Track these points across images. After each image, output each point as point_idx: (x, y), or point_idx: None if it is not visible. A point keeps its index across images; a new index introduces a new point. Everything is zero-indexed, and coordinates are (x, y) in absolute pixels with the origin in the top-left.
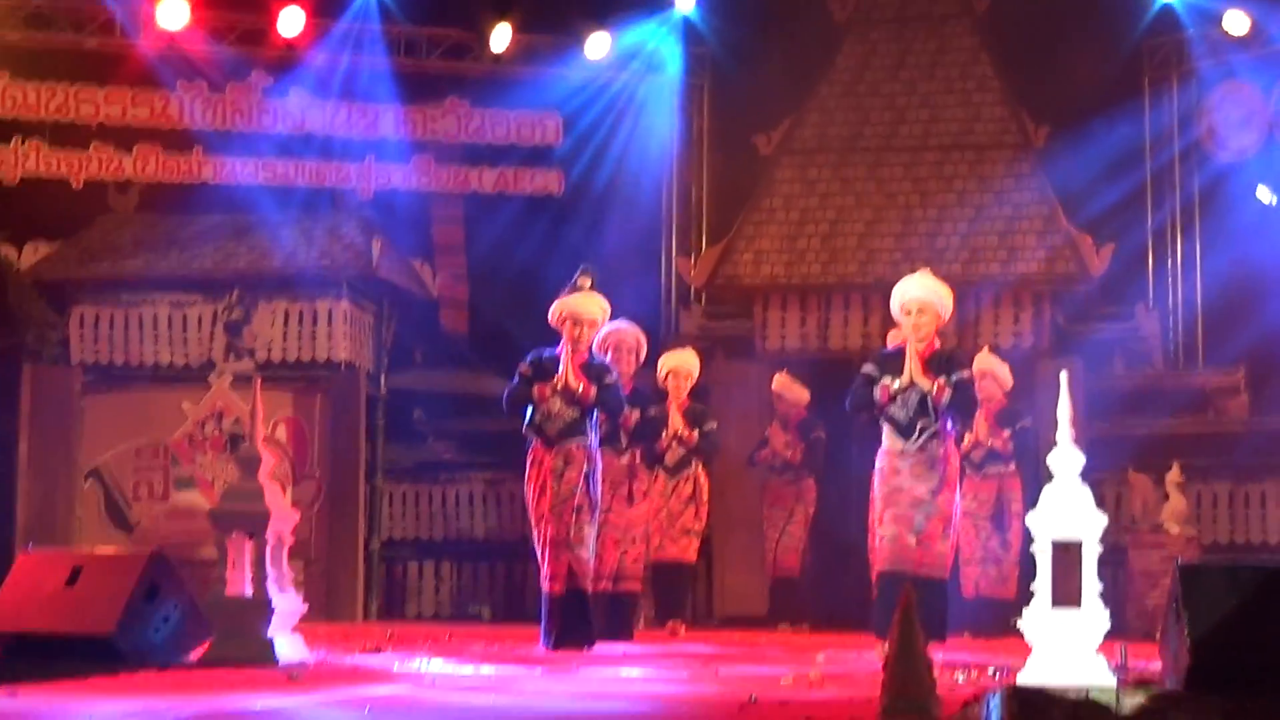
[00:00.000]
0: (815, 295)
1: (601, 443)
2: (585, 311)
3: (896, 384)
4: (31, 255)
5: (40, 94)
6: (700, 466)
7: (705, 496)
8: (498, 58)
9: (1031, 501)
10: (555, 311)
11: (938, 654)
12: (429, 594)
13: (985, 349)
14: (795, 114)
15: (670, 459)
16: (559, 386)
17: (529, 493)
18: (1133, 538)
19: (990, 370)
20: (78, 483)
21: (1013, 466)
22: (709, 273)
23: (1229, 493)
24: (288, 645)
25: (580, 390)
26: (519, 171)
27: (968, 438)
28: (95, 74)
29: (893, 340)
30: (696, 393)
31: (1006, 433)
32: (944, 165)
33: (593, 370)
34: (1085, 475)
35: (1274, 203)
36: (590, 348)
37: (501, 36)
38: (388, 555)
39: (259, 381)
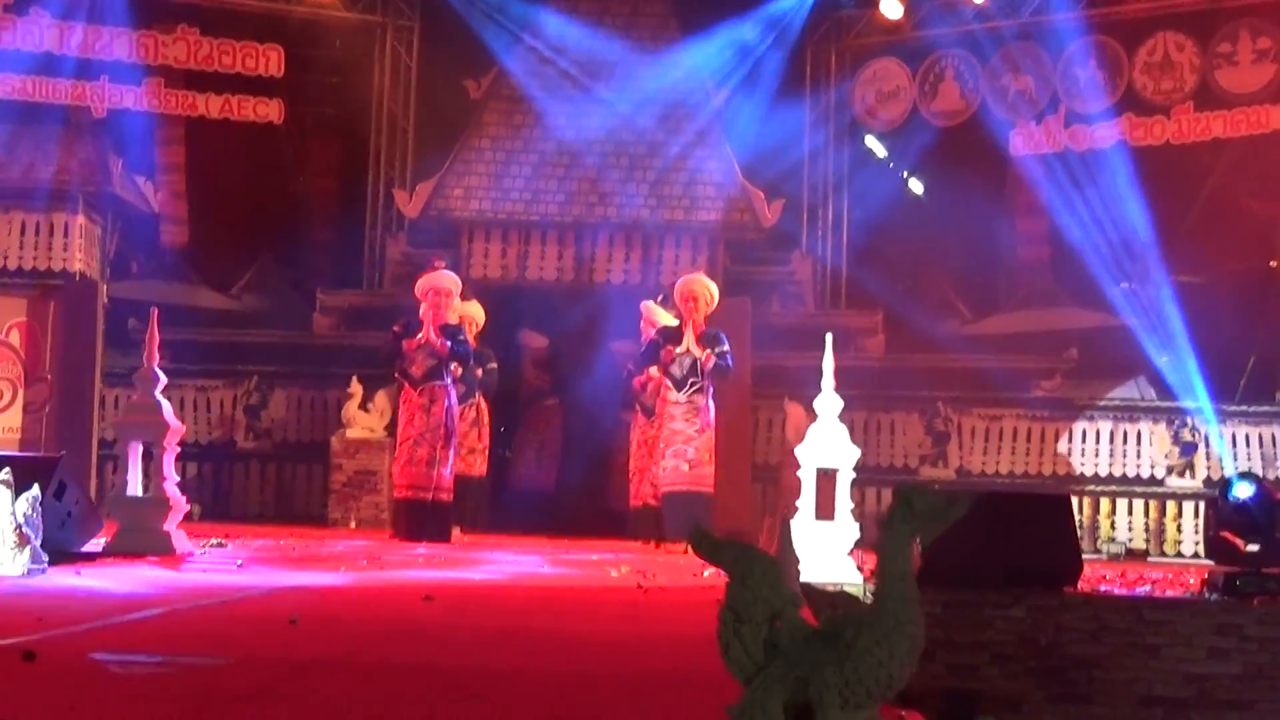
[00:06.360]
0: (517, 230)
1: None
2: (441, 285)
3: (677, 350)
4: None
5: None
6: (482, 398)
7: (486, 420)
8: None
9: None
10: (419, 286)
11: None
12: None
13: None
14: (502, 64)
15: (457, 391)
16: (422, 342)
17: (400, 422)
18: (785, 458)
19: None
20: None
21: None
22: (422, 205)
23: (864, 420)
24: (179, 538)
25: (438, 345)
26: (242, 99)
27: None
28: None
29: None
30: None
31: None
32: (636, 119)
33: (447, 330)
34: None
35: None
36: (445, 313)
37: None
38: (103, 455)
39: (156, 313)
